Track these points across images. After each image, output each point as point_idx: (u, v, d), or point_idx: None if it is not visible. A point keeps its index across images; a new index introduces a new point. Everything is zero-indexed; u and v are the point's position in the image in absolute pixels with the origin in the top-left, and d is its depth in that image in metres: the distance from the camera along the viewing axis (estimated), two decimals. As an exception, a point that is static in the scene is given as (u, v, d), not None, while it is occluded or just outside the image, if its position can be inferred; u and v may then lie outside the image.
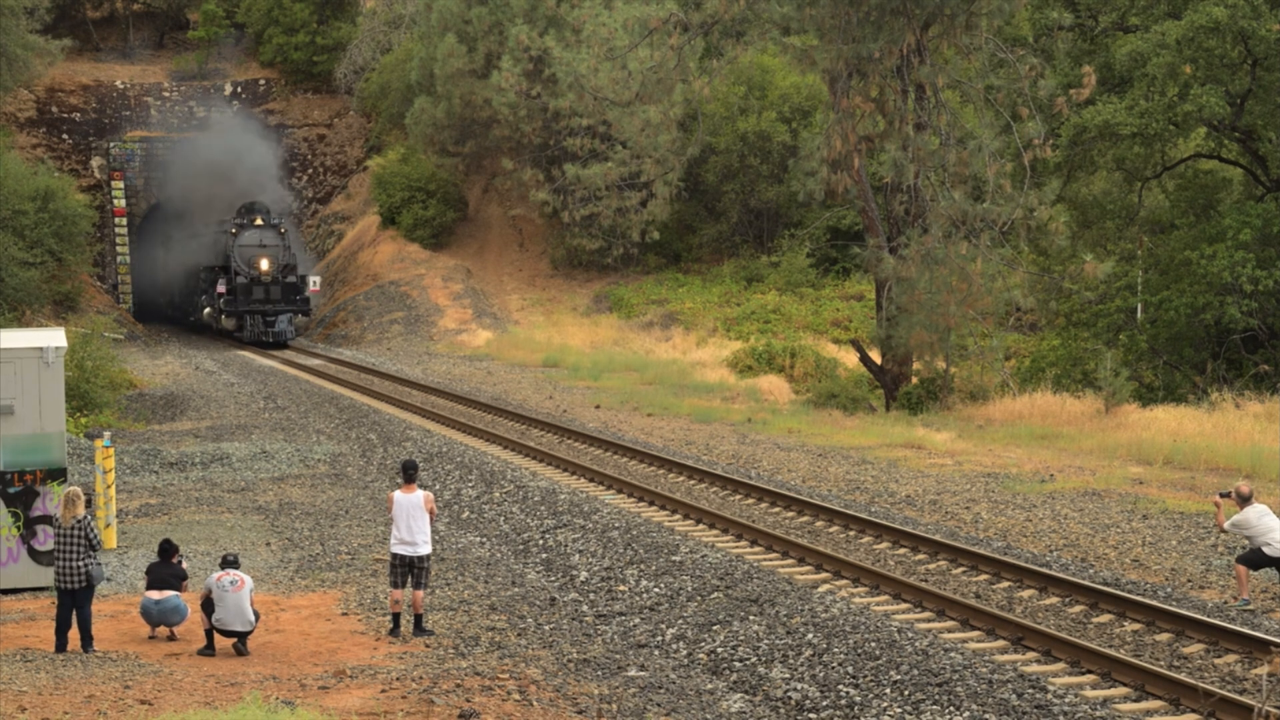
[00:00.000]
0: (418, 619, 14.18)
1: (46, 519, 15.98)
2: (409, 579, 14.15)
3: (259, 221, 54.42)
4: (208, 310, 57.48)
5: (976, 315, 31.67)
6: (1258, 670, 12.22)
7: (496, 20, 55.98)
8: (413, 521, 14.12)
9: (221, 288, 53.92)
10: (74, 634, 13.54)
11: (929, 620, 14.14)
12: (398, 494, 14.28)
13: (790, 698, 12.38)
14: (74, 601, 13.45)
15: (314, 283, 55.11)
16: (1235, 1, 32.49)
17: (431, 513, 14.27)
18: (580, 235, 54.51)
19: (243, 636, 13.40)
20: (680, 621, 14.85)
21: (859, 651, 12.93)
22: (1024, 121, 31.29)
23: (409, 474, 14.36)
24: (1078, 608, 14.54)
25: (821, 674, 12.69)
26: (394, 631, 14.08)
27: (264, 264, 53.39)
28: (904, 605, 14.68)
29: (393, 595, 14.25)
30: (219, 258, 55.91)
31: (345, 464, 25.64)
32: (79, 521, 13.48)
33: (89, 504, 14.11)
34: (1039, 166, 33.70)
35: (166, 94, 66.38)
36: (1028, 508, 19.86)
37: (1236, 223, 33.39)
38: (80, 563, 13.45)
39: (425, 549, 14.16)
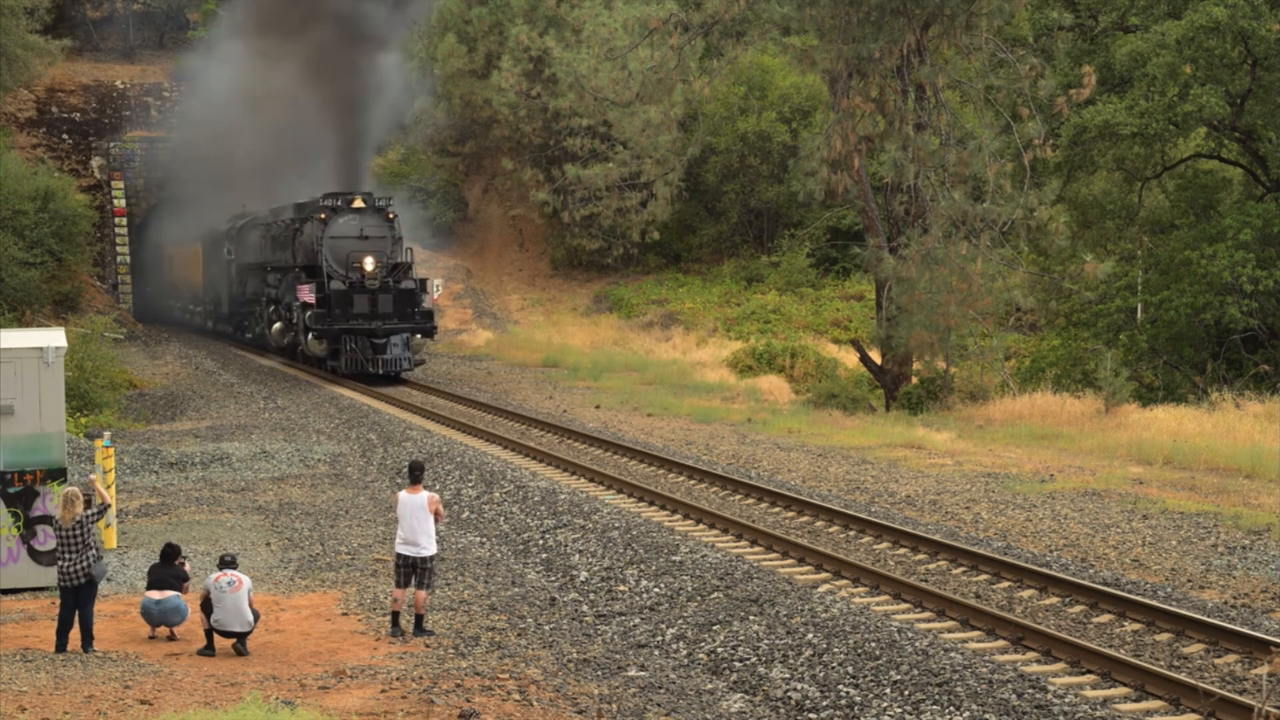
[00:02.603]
0: (418, 619, 14.18)
1: (46, 519, 15.97)
2: (413, 579, 14.16)
3: (359, 203, 38.39)
4: (277, 326, 42.28)
5: (976, 315, 31.68)
6: (1258, 670, 12.22)
7: (496, 20, 55.99)
8: (416, 523, 14.12)
9: (307, 296, 37.43)
10: (74, 634, 13.55)
11: (929, 620, 14.14)
12: (403, 494, 14.30)
13: (790, 698, 12.37)
14: (76, 600, 13.44)
15: (437, 288, 39.15)
16: (1235, 1, 32.51)
17: (438, 515, 14.23)
18: (580, 235, 54.51)
19: (242, 637, 13.40)
20: (680, 621, 14.84)
21: (859, 651, 12.92)
22: (1024, 121, 31.32)
23: (415, 475, 14.36)
24: (1078, 608, 14.54)
25: (821, 674, 12.68)
26: (394, 631, 14.09)
27: (368, 263, 37.41)
28: (904, 605, 14.67)
29: (394, 594, 14.30)
30: (299, 254, 40.04)
31: (345, 464, 25.63)
32: (78, 521, 13.49)
33: (88, 503, 14.12)
34: (1039, 166, 33.73)
35: (166, 94, 66.36)
36: (1028, 508, 19.85)
37: (1236, 223, 33.42)
38: (82, 562, 13.45)
39: (429, 550, 14.15)
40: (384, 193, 42.79)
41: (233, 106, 53.75)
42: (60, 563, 13.53)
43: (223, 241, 50.80)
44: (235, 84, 53.46)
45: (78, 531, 13.47)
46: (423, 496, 14.19)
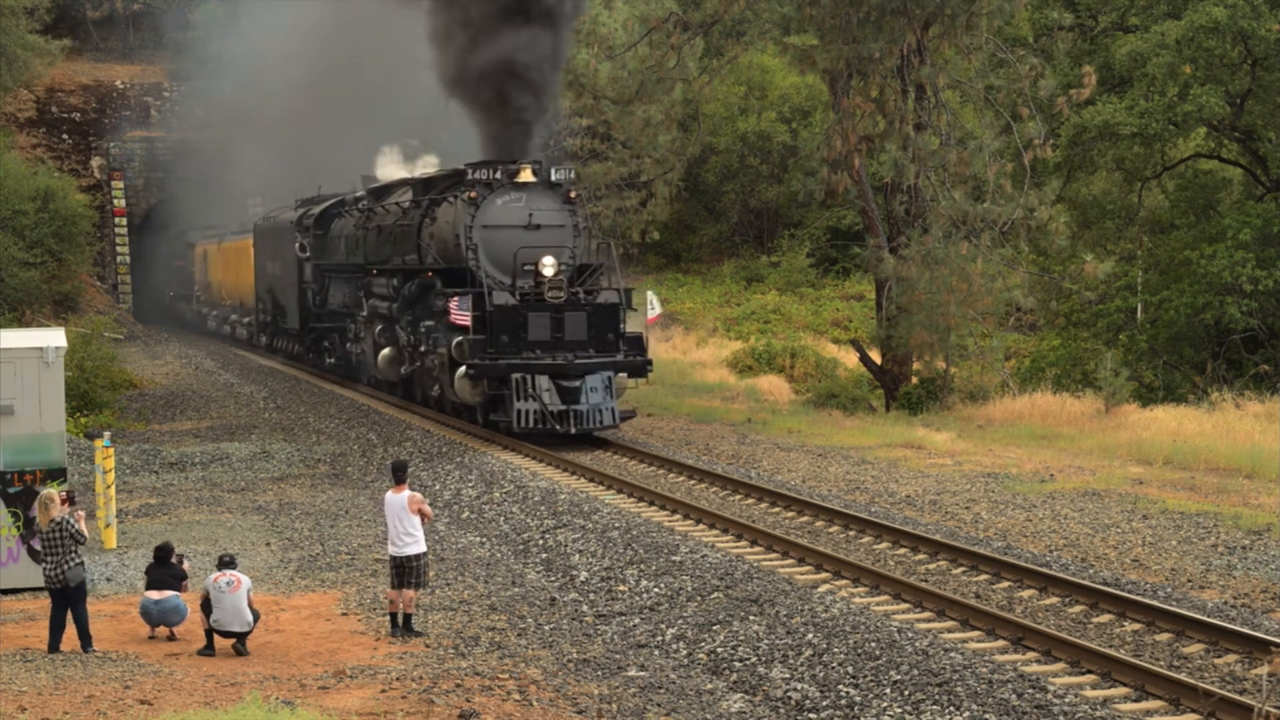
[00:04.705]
0: (406, 618, 14.14)
1: (47, 519, 15.97)
2: (402, 579, 14.19)
3: (526, 175, 26.14)
4: (387, 354, 30.40)
5: (976, 315, 31.69)
6: (1258, 670, 12.22)
7: (497, 20, 55.80)
8: (398, 522, 14.16)
9: (459, 314, 25.31)
10: (73, 634, 13.54)
11: (929, 620, 14.13)
12: (388, 494, 14.38)
13: (790, 698, 12.37)
14: (66, 602, 13.44)
15: (652, 304, 26.63)
16: (1235, 1, 32.55)
17: (422, 514, 14.19)
18: (580, 235, 54.39)
19: (241, 637, 13.39)
20: (680, 621, 14.84)
21: (859, 651, 12.92)
22: (1024, 121, 31.35)
23: (397, 475, 14.43)
24: (1078, 608, 14.53)
25: (821, 674, 12.68)
26: (394, 631, 14.12)
27: (547, 265, 25.54)
28: (904, 605, 14.67)
29: (388, 595, 14.37)
30: (430, 251, 27.92)
31: (345, 464, 25.64)
32: (56, 524, 13.46)
33: (74, 500, 14.12)
34: (1039, 166, 33.76)
35: (166, 94, 66.36)
36: (1028, 508, 19.85)
37: (1236, 223, 33.46)
38: (64, 565, 13.42)
39: (412, 549, 14.10)
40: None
41: (302, 50, 44.26)
42: (44, 565, 13.54)
43: (289, 233, 38.86)
44: (309, 20, 44.68)
45: (56, 534, 13.44)
46: (404, 496, 14.21)
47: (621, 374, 25.56)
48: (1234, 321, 32.58)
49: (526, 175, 26.11)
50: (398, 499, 14.21)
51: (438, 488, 22.81)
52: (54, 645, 13.35)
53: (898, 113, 31.53)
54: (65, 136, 63.43)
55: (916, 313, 30.67)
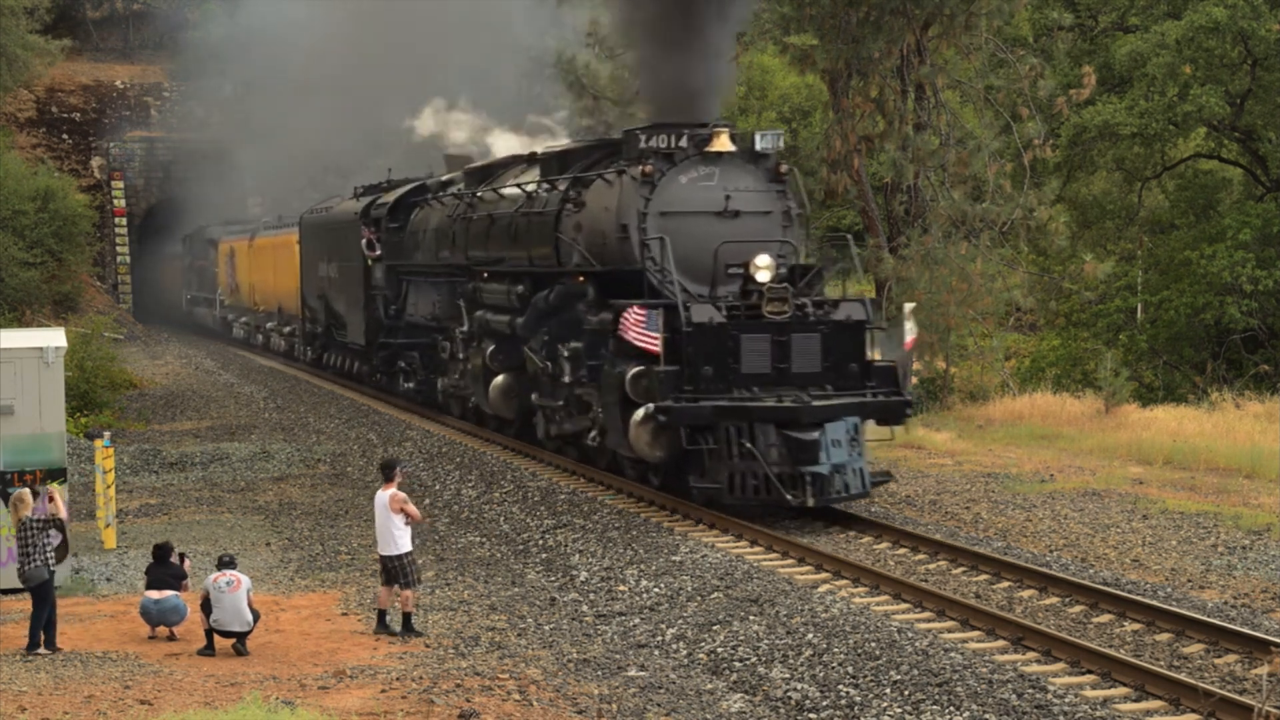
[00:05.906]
0: (406, 618, 14.10)
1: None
2: (390, 578, 14.18)
3: (721, 143, 19.45)
4: (500, 383, 24.22)
5: (976, 315, 31.69)
6: (1258, 670, 12.22)
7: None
8: (381, 521, 14.17)
9: (645, 335, 18.09)
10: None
11: (929, 620, 14.13)
12: (378, 493, 14.36)
13: (790, 698, 12.37)
14: (41, 599, 13.44)
15: (908, 317, 20.24)
16: (1235, 1, 32.59)
17: (405, 513, 14.06)
18: (580, 235, 54.26)
19: (241, 637, 13.39)
20: (680, 621, 14.84)
21: (859, 651, 12.92)
22: (1024, 121, 31.38)
23: (384, 473, 14.44)
24: (1078, 608, 14.53)
25: (821, 674, 12.68)
26: (378, 629, 14.13)
27: (761, 269, 18.66)
28: (904, 605, 14.67)
29: (379, 592, 14.43)
30: (573, 247, 20.94)
31: (345, 464, 25.64)
32: (23, 524, 13.47)
33: (53, 498, 14.14)
34: (1039, 166, 33.78)
35: (167, 94, 66.37)
36: (1028, 508, 19.85)
37: (1236, 223, 33.50)
38: (28, 564, 13.42)
39: (391, 549, 14.02)
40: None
41: (310, 42, 41.69)
42: (19, 565, 13.58)
43: (352, 227, 32.36)
44: (319, 12, 42.19)
45: (23, 533, 13.47)
46: (386, 495, 14.19)
47: (870, 420, 18.90)
48: (1234, 321, 32.61)
49: (722, 143, 19.38)
50: (381, 498, 14.21)
51: (438, 487, 22.82)
52: (50, 644, 13.35)
53: (897, 113, 31.55)
54: (65, 136, 63.43)
55: (916, 313, 30.67)
